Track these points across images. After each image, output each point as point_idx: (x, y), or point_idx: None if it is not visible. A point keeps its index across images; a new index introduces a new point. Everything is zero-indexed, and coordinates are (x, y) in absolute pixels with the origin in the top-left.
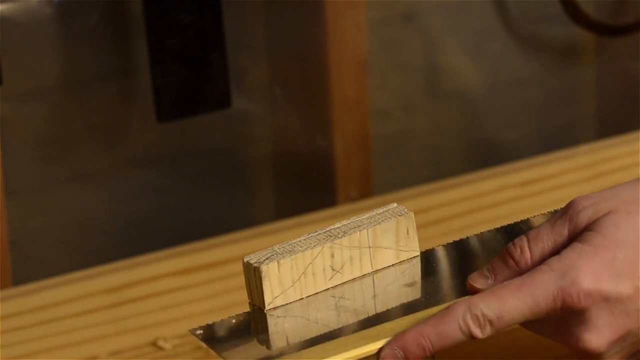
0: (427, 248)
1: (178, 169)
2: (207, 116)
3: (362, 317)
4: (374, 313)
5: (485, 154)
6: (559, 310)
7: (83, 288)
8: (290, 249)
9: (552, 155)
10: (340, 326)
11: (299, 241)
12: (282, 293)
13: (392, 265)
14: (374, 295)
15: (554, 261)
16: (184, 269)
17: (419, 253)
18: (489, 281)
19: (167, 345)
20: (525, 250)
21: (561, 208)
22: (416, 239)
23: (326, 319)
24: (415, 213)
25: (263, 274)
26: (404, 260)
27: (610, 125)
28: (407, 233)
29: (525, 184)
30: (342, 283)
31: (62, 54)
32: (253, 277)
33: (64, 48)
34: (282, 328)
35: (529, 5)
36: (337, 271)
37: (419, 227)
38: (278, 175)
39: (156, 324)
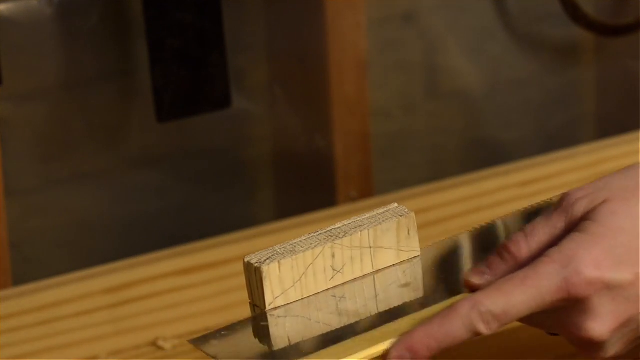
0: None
1: (178, 169)
2: (207, 116)
3: (363, 317)
4: (376, 313)
5: (485, 154)
6: (564, 301)
7: (83, 288)
8: (291, 249)
9: (552, 155)
10: (342, 326)
11: (300, 241)
12: (282, 293)
13: (393, 265)
14: (375, 296)
15: (554, 252)
16: (184, 269)
17: (419, 253)
18: (486, 277)
19: (167, 345)
20: (522, 244)
21: (556, 201)
22: (417, 239)
23: (328, 320)
24: (416, 213)
25: (264, 275)
26: (404, 260)
27: (610, 125)
28: (408, 233)
29: (525, 184)
30: (343, 283)
31: (62, 54)
32: (254, 278)
33: (64, 48)
34: (283, 328)
35: (529, 5)
36: (338, 271)
37: (419, 227)
38: (278, 175)
39: (156, 324)
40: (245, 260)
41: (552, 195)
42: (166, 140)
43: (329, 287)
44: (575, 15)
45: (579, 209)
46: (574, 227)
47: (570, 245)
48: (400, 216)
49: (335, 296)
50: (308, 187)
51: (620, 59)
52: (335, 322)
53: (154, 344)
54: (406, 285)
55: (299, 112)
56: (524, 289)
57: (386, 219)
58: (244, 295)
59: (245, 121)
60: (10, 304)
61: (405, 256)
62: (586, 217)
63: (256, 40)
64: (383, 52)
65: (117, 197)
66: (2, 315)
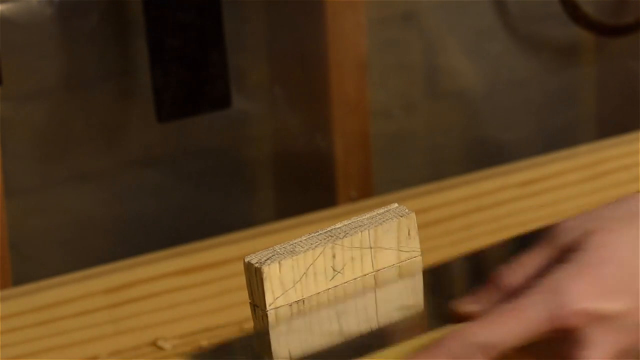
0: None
1: (178, 169)
2: (207, 116)
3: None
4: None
5: (485, 154)
6: (553, 332)
7: (83, 288)
8: (291, 249)
9: (552, 155)
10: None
11: (300, 241)
12: (283, 294)
13: (393, 265)
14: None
15: (541, 283)
16: (184, 269)
17: (420, 253)
18: (473, 306)
19: (167, 345)
20: (509, 276)
21: (546, 230)
22: (417, 239)
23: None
24: (416, 213)
25: (264, 275)
26: (405, 261)
27: (610, 125)
28: (409, 233)
29: (525, 184)
30: (343, 283)
31: (62, 54)
32: (254, 278)
33: (64, 48)
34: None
35: (529, 5)
36: (338, 272)
37: (419, 227)
38: (278, 175)
39: (156, 324)
40: (246, 260)
41: (553, 195)
42: (166, 140)
43: (329, 287)
44: (575, 15)
45: (568, 238)
46: (562, 257)
47: (557, 275)
48: (401, 216)
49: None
50: (308, 187)
51: (620, 59)
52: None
53: (154, 344)
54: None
55: (299, 112)
56: (511, 320)
57: (386, 219)
58: (244, 295)
59: (245, 121)
60: (10, 304)
61: (405, 257)
62: (575, 247)
63: (256, 40)
64: (383, 52)
65: (117, 197)
66: (2, 315)
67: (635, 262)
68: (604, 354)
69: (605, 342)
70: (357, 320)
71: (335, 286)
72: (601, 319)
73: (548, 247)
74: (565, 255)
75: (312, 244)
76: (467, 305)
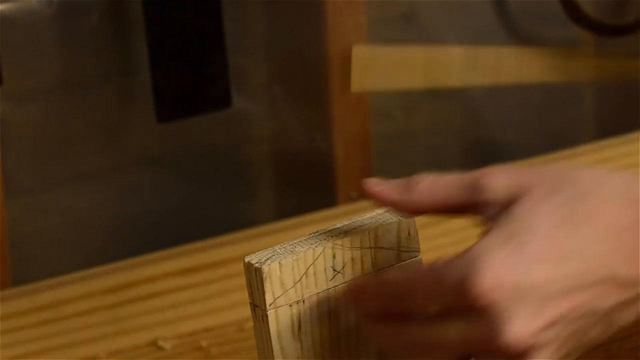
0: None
1: (178, 169)
2: (207, 116)
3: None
4: None
5: (485, 154)
6: (463, 302)
7: (83, 288)
8: (292, 249)
9: (552, 155)
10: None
11: (300, 241)
12: (283, 294)
13: (393, 265)
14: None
15: (463, 252)
16: (184, 269)
17: (419, 254)
18: (380, 187)
19: (167, 345)
20: (425, 179)
21: (477, 171)
22: (417, 239)
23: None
24: None
25: (264, 275)
26: (405, 261)
27: (610, 125)
28: (409, 234)
29: None
30: (343, 283)
31: (62, 54)
32: (254, 278)
33: (64, 48)
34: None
35: (529, 5)
36: (339, 272)
37: (419, 227)
38: (278, 175)
39: (156, 324)
40: (246, 260)
41: None
42: (166, 140)
43: (329, 287)
44: (575, 15)
45: (497, 195)
46: (480, 209)
47: (481, 244)
48: (401, 217)
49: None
50: (308, 187)
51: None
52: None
53: (154, 344)
54: None
55: (299, 112)
56: (428, 278)
57: (387, 219)
58: (244, 295)
59: (245, 121)
60: (10, 304)
61: (405, 257)
62: (501, 214)
63: (256, 40)
64: None
65: (117, 197)
66: (2, 315)
67: (557, 234)
68: (528, 327)
69: (529, 315)
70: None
71: (335, 286)
72: (522, 289)
73: (471, 189)
74: (490, 210)
75: (312, 244)
76: (376, 183)
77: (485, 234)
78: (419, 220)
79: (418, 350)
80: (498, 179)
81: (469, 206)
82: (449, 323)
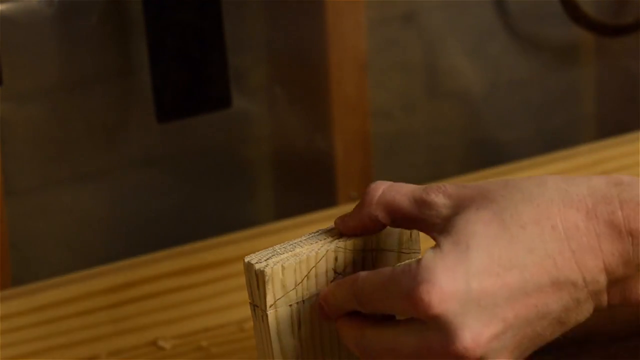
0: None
1: (178, 169)
2: (207, 116)
3: None
4: None
5: (485, 154)
6: (414, 312)
7: (83, 288)
8: (292, 250)
9: (552, 155)
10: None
11: (300, 241)
12: (284, 295)
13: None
14: None
15: (413, 264)
16: (184, 269)
17: (420, 255)
18: (345, 216)
19: (167, 345)
20: (378, 189)
21: (422, 188)
22: (418, 241)
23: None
24: None
25: (267, 277)
26: (405, 262)
27: (610, 125)
28: (410, 236)
29: None
30: None
31: (62, 54)
32: (255, 279)
33: (64, 48)
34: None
35: (529, 5)
36: (340, 273)
37: None
38: (278, 175)
39: (156, 324)
40: (246, 260)
41: None
42: (166, 140)
43: None
44: (575, 15)
45: (441, 211)
46: (429, 225)
47: (426, 257)
48: None
49: None
50: (308, 187)
51: (620, 59)
52: None
53: (154, 344)
54: None
55: (299, 112)
56: (382, 286)
57: None
58: (244, 295)
59: (245, 121)
60: (10, 304)
61: (405, 258)
62: (445, 228)
63: (256, 40)
64: (383, 52)
65: (117, 197)
66: (2, 315)
67: (498, 240)
68: (479, 334)
69: (481, 321)
70: None
71: None
72: (470, 299)
73: (417, 197)
74: (433, 226)
75: (312, 244)
76: (342, 219)
77: (432, 248)
78: None
79: (375, 354)
80: (441, 195)
81: (419, 221)
82: (405, 329)
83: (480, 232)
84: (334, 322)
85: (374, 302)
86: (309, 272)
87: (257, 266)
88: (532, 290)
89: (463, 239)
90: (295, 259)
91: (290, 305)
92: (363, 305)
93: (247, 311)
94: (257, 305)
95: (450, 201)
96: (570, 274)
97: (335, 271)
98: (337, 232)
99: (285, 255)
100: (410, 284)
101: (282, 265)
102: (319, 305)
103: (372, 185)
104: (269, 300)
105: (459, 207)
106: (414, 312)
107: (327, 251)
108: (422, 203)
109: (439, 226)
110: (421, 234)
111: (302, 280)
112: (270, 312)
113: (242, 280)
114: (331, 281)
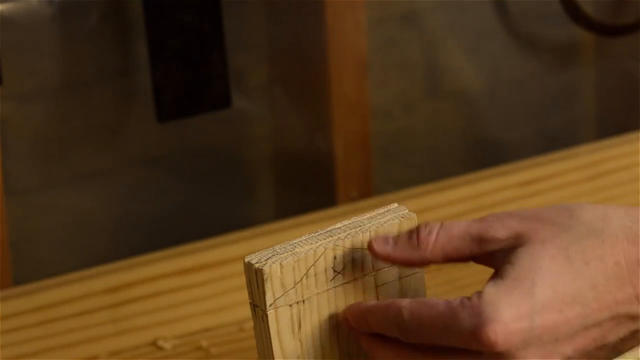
0: None
1: (178, 169)
2: (207, 116)
3: None
4: None
5: (485, 154)
6: (477, 348)
7: (83, 288)
8: (292, 249)
9: (552, 155)
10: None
11: (300, 241)
12: (283, 294)
13: (393, 265)
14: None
15: (474, 298)
16: (184, 269)
17: None
18: (387, 248)
19: (167, 345)
20: (432, 234)
21: (483, 220)
22: None
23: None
24: (416, 213)
25: (265, 276)
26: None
27: (610, 125)
28: None
29: (525, 184)
30: (343, 284)
31: (62, 54)
32: (254, 278)
33: (64, 48)
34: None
35: (529, 5)
36: (339, 272)
37: None
38: (278, 175)
39: (156, 324)
40: (246, 260)
41: (553, 195)
42: (166, 140)
43: (329, 287)
44: (575, 15)
45: (502, 245)
46: (488, 257)
47: (489, 290)
48: (402, 217)
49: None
50: (308, 187)
51: (620, 59)
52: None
53: (154, 344)
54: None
55: (299, 112)
56: (438, 321)
57: (387, 220)
58: (244, 295)
59: (245, 121)
60: (10, 304)
61: None
62: (507, 259)
63: (256, 40)
64: (383, 52)
65: (117, 197)
66: (2, 315)
67: (563, 276)
68: None
69: (543, 357)
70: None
71: (335, 286)
72: (534, 335)
73: (475, 235)
74: (488, 256)
75: (312, 244)
76: (382, 242)
77: (493, 279)
78: (419, 220)
79: None
80: (502, 229)
81: (477, 256)
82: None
83: (546, 267)
84: (355, 333)
85: (424, 335)
86: (307, 271)
87: (256, 265)
88: (592, 325)
89: (529, 274)
90: (293, 257)
91: (290, 305)
92: (407, 337)
93: (247, 311)
94: (257, 305)
95: (510, 232)
96: (630, 309)
97: (334, 270)
98: (337, 233)
99: (285, 254)
100: (474, 321)
101: (280, 264)
102: (344, 319)
103: (422, 228)
104: (269, 299)
105: (522, 238)
106: (477, 348)
107: (326, 249)
108: (481, 240)
109: (499, 258)
110: None
111: (301, 279)
112: (270, 312)
113: (242, 280)
114: (331, 280)
